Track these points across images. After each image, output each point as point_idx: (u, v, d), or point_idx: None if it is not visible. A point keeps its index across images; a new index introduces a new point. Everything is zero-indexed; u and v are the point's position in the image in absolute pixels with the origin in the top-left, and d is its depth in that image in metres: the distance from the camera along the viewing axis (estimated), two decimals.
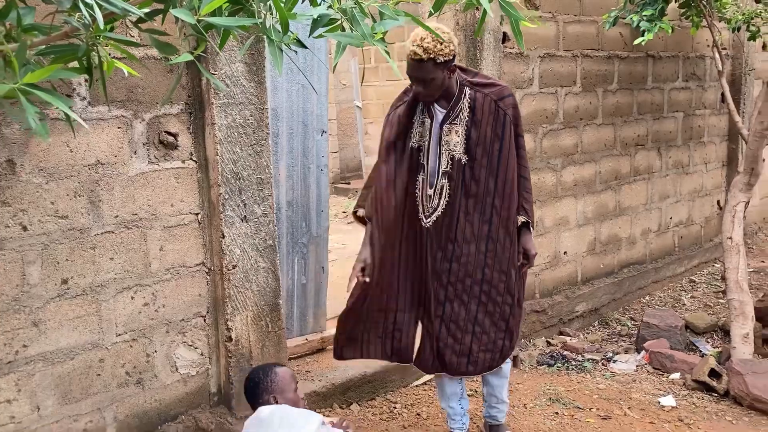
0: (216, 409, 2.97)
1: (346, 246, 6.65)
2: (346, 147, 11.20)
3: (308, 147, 3.57)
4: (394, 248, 2.85)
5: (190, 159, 2.83)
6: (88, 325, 2.61)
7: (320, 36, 1.24)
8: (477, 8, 3.75)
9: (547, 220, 4.47)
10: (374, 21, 1.35)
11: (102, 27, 1.30)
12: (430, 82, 2.59)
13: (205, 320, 2.93)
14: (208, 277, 2.92)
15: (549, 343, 4.31)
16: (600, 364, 4.02)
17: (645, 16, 3.61)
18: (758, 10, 4.56)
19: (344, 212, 9.07)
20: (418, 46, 2.52)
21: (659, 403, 3.48)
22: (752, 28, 4.68)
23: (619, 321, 4.76)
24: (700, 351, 4.25)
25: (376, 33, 1.25)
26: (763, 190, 7.06)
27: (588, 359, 4.05)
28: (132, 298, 2.71)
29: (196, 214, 2.87)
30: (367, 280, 2.81)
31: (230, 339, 2.93)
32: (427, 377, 3.76)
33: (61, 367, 2.56)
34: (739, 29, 4.83)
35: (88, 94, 2.53)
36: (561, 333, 4.50)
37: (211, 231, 2.90)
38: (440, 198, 2.74)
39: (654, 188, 5.33)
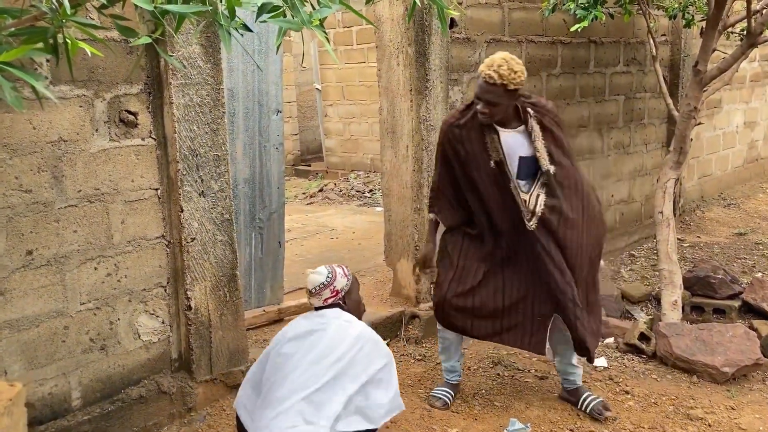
0: (177, 374, 3.14)
1: (306, 225, 6.84)
2: (306, 129, 11.33)
3: (264, 126, 3.73)
4: (494, 254, 3.17)
5: (150, 137, 2.97)
6: (53, 294, 2.75)
7: (264, 21, 1.41)
8: None
9: None
10: (314, 8, 1.53)
11: (68, 12, 1.45)
12: (496, 105, 2.89)
13: (165, 290, 3.09)
14: (168, 250, 3.08)
15: None
16: None
17: (581, 4, 3.84)
18: None
19: (304, 193, 9.24)
20: (494, 71, 2.81)
21: (592, 364, 3.76)
22: (687, 15, 4.97)
23: None
24: (635, 318, 4.56)
25: (313, 19, 1.43)
26: (701, 169, 7.44)
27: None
28: (95, 268, 2.86)
29: (156, 189, 3.02)
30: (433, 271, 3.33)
31: (190, 308, 3.10)
32: None
33: (26, 333, 2.69)
34: (675, 17, 5.12)
35: (50, 73, 2.65)
36: None
37: (170, 205, 3.05)
38: (536, 205, 3.01)
39: (596, 168, 5.62)
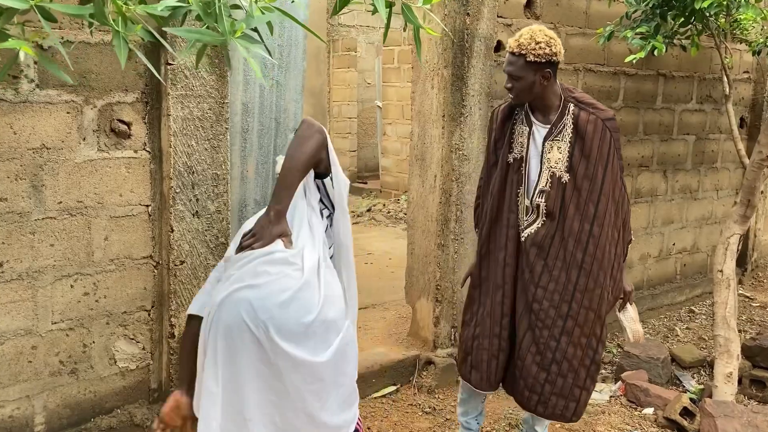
0: (154, 406, 2.91)
1: None
2: (365, 146, 11.13)
3: (280, 145, 3.48)
4: (498, 262, 2.73)
5: (144, 149, 2.77)
6: (22, 311, 2.57)
7: (176, 33, 1.14)
8: (467, 14, 3.64)
9: None
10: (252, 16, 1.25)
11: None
12: (519, 80, 2.51)
13: (149, 314, 2.87)
14: (155, 271, 2.86)
15: None
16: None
17: (639, 33, 3.43)
18: None
19: (353, 212, 9.00)
20: (515, 40, 2.50)
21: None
22: None
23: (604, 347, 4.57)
24: (683, 386, 4.06)
25: (237, 29, 1.16)
26: None
27: None
28: (71, 286, 2.67)
29: (147, 206, 2.81)
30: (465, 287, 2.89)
31: (173, 336, 2.86)
32: (388, 389, 3.66)
33: None
34: (759, 53, 4.60)
35: (36, 76, 2.49)
36: None
37: (161, 224, 2.84)
38: (537, 216, 2.61)
39: (657, 212, 5.12)
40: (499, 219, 2.71)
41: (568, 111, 2.57)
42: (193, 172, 2.81)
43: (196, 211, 2.85)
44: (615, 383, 3.95)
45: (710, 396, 3.74)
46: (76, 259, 2.66)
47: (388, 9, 1.36)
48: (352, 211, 9.04)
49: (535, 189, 2.60)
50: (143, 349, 2.88)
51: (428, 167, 3.74)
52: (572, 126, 2.56)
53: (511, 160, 2.67)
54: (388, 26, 1.45)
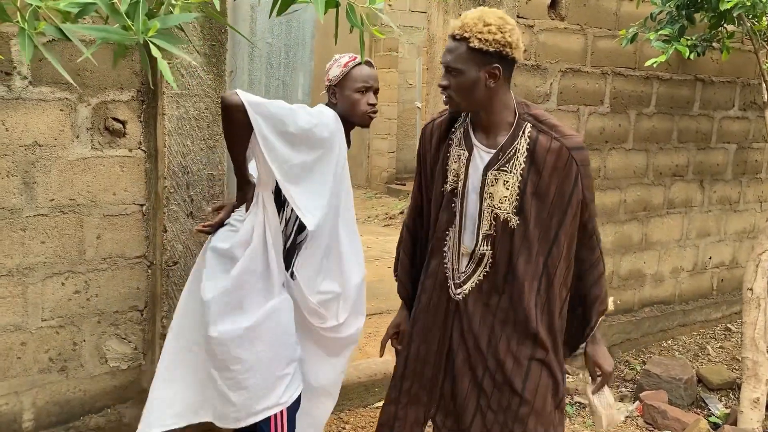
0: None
1: (370, 249, 6.51)
2: (404, 147, 11.04)
3: None
4: (428, 328, 2.14)
5: (139, 148, 2.75)
6: (12, 307, 2.57)
7: (81, 31, 1.08)
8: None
9: None
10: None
11: None
12: (457, 75, 1.88)
13: (142, 314, 2.85)
14: (149, 271, 2.84)
15: None
16: (587, 409, 3.69)
17: (662, 35, 3.24)
18: None
19: (386, 213, 8.93)
20: (458, 20, 1.90)
21: None
22: None
23: (628, 364, 4.38)
24: (709, 409, 3.84)
25: (150, 28, 1.09)
26: None
27: (575, 402, 3.72)
28: (62, 284, 2.66)
29: (141, 206, 2.78)
30: (399, 347, 2.26)
31: (164, 337, 2.83)
32: None
33: None
34: None
35: (29, 73, 2.48)
36: None
37: (155, 224, 2.81)
38: (478, 266, 2.02)
39: (692, 224, 4.88)
40: (427, 269, 2.14)
41: (523, 133, 1.94)
42: (188, 172, 2.78)
43: (191, 212, 2.81)
44: (633, 402, 3.76)
45: (735, 422, 3.52)
46: (68, 257, 2.65)
47: (331, 8, 1.27)
48: (386, 213, 8.96)
49: (477, 233, 1.99)
50: (135, 349, 2.86)
51: None
52: (527, 153, 1.92)
53: (445, 192, 2.07)
54: (337, 26, 1.36)
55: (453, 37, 1.88)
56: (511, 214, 1.95)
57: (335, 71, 2.42)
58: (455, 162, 2.03)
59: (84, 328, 2.72)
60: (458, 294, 2.05)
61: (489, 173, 1.96)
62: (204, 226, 2.50)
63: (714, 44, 3.82)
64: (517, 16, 3.65)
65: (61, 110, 2.56)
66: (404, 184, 10.67)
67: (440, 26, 3.52)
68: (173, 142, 2.73)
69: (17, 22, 1.07)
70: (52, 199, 2.59)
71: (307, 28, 3.25)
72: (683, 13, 3.23)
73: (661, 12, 3.43)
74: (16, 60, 2.46)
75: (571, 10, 3.92)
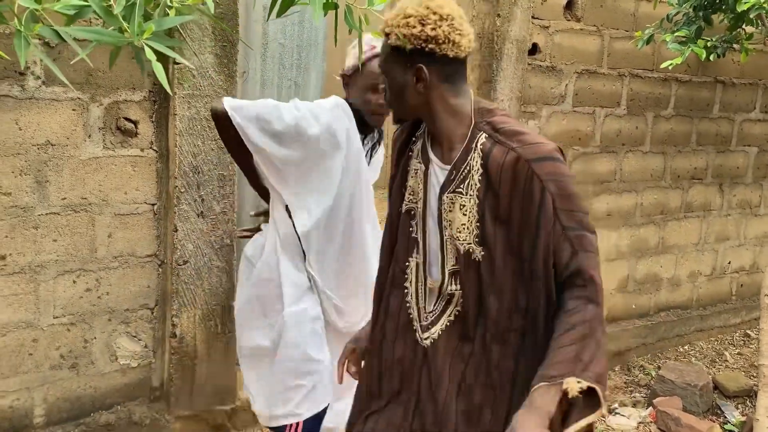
0: (154, 404, 2.91)
1: None
2: None
3: None
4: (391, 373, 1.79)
5: (150, 148, 2.77)
6: (24, 304, 2.61)
7: (74, 34, 1.09)
8: (498, 15, 3.48)
9: None
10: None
11: None
12: (386, 79, 1.64)
13: (152, 313, 2.87)
14: (159, 270, 2.86)
15: None
16: None
17: (678, 36, 3.19)
18: None
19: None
20: (387, 18, 1.57)
21: None
22: None
23: (642, 369, 4.32)
24: (725, 417, 3.78)
25: (145, 30, 1.09)
26: None
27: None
28: (74, 282, 2.69)
29: (152, 205, 2.81)
30: (352, 370, 1.95)
31: (174, 335, 2.85)
32: None
33: None
34: None
35: (42, 73, 2.51)
36: None
37: (166, 223, 2.83)
38: (448, 305, 1.67)
39: (710, 227, 4.80)
40: (387, 308, 1.79)
41: (476, 145, 1.58)
42: (199, 172, 2.79)
43: (201, 212, 2.82)
44: (646, 408, 3.71)
45: (751, 430, 3.46)
46: (79, 255, 2.68)
47: (326, 12, 1.26)
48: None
49: (443, 268, 1.66)
50: (145, 347, 2.88)
51: None
52: (481, 170, 1.57)
53: (404, 211, 1.73)
54: (337, 28, 1.36)
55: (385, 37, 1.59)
56: (473, 245, 1.59)
57: (349, 62, 2.26)
58: (413, 177, 1.70)
59: (95, 325, 2.75)
60: (426, 339, 1.69)
61: (445, 196, 1.62)
62: (243, 231, 2.61)
63: (734, 46, 3.76)
64: (533, 17, 3.62)
65: (73, 110, 2.59)
66: None
67: None
68: (184, 142, 2.74)
69: (14, 24, 1.08)
70: (65, 198, 2.62)
71: (319, 29, 3.25)
72: (700, 14, 3.17)
73: (677, 13, 3.38)
74: (29, 61, 2.49)
75: (587, 11, 3.88)
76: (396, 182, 1.76)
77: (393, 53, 1.57)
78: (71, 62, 2.39)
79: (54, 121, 2.56)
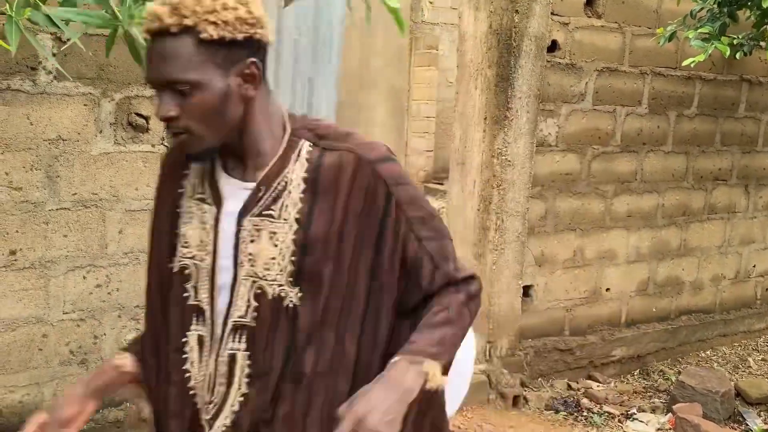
0: None
1: None
2: (442, 147, 10.93)
3: None
4: None
5: (162, 144, 2.75)
6: (34, 299, 2.60)
7: (62, 16, 1.06)
8: (516, 11, 3.42)
9: (588, 251, 4.03)
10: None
11: None
12: (189, 93, 1.12)
13: None
14: None
15: (570, 387, 3.90)
16: (617, 419, 3.57)
17: (702, 33, 3.10)
18: None
19: None
20: (161, 3, 1.12)
21: None
22: None
23: (662, 374, 4.23)
24: (747, 424, 3.68)
25: (135, 14, 1.06)
26: None
27: (603, 412, 3.61)
28: (84, 277, 2.68)
29: None
30: None
31: None
32: None
33: (1, 337, 2.57)
34: None
35: (54, 68, 2.51)
36: (589, 377, 4.07)
37: None
38: (230, 382, 1.22)
39: (734, 230, 4.69)
40: (167, 403, 1.30)
41: (298, 155, 1.22)
42: None
43: None
44: (665, 414, 3.63)
45: None
46: (90, 251, 2.67)
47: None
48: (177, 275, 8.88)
49: (224, 325, 1.22)
50: None
51: (468, 172, 3.56)
52: (305, 184, 1.20)
53: (177, 269, 1.27)
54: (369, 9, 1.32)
55: (160, 33, 1.11)
56: (285, 287, 1.19)
57: None
58: (188, 223, 1.25)
59: (104, 321, 2.74)
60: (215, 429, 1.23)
61: (245, 222, 1.21)
62: None
63: (761, 43, 3.66)
64: (552, 13, 3.55)
65: (84, 105, 2.58)
66: (442, 183, 10.59)
67: (471, 23, 3.44)
68: None
69: (5, 9, 1.06)
70: (75, 194, 2.61)
71: (333, 26, 3.22)
72: (725, 10, 3.09)
73: (701, 9, 3.29)
74: (42, 56, 2.48)
75: (608, 8, 3.80)
76: (164, 232, 1.31)
77: (204, 52, 1.10)
78: (61, 48, 2.37)
79: (65, 116, 2.55)
